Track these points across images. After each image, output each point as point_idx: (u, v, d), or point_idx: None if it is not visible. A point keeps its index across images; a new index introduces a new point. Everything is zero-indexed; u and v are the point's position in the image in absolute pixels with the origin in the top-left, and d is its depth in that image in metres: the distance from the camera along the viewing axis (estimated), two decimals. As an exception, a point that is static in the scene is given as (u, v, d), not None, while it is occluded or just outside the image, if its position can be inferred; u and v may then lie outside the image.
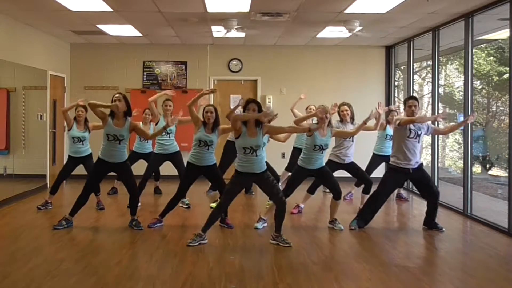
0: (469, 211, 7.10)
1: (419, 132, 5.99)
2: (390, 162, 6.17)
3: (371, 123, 6.37)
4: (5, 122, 8.25)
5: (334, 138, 6.46)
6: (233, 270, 4.57)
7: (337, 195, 6.11)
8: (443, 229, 6.12)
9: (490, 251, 5.39)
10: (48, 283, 4.14)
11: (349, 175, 7.04)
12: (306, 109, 7.74)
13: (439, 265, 4.90)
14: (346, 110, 6.85)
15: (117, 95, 5.88)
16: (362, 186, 7.19)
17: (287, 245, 5.31)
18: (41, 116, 9.03)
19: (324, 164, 6.15)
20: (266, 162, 7.18)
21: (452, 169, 13.16)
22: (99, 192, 7.21)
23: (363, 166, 7.63)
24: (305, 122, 6.29)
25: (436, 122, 6.86)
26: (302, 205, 7.12)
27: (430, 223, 6.18)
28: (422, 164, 6.16)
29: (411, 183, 7.87)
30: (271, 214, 5.86)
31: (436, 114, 8.37)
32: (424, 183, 6.16)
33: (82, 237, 5.74)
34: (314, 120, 6.41)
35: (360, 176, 6.98)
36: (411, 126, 5.96)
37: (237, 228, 6.12)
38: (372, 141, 7.93)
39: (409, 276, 4.47)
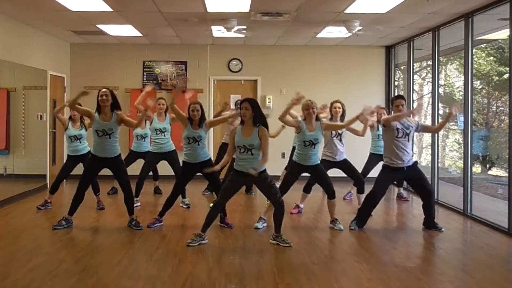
0: (469, 211, 7.09)
1: (408, 131, 5.96)
2: (383, 162, 6.16)
3: (358, 126, 6.35)
4: (5, 122, 8.25)
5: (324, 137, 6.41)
6: (233, 270, 4.58)
7: (331, 195, 6.11)
8: (443, 229, 6.11)
9: (490, 251, 5.39)
10: (48, 283, 4.14)
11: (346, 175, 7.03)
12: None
13: (439, 265, 4.89)
14: (339, 108, 6.82)
15: (103, 90, 5.92)
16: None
17: (287, 245, 5.31)
18: (41, 116, 9.03)
19: (318, 161, 6.13)
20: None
21: (452, 169, 13.16)
22: (99, 192, 7.21)
23: (361, 165, 7.65)
24: (289, 117, 6.16)
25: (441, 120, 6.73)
26: (301, 205, 7.12)
27: (429, 223, 6.17)
28: (416, 162, 6.17)
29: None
30: (271, 213, 5.85)
31: (436, 114, 8.39)
32: (418, 181, 6.15)
33: (82, 237, 5.74)
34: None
35: (352, 175, 6.95)
36: (398, 125, 5.95)
37: (237, 228, 6.12)
38: (369, 141, 7.92)
39: (409, 276, 4.47)
